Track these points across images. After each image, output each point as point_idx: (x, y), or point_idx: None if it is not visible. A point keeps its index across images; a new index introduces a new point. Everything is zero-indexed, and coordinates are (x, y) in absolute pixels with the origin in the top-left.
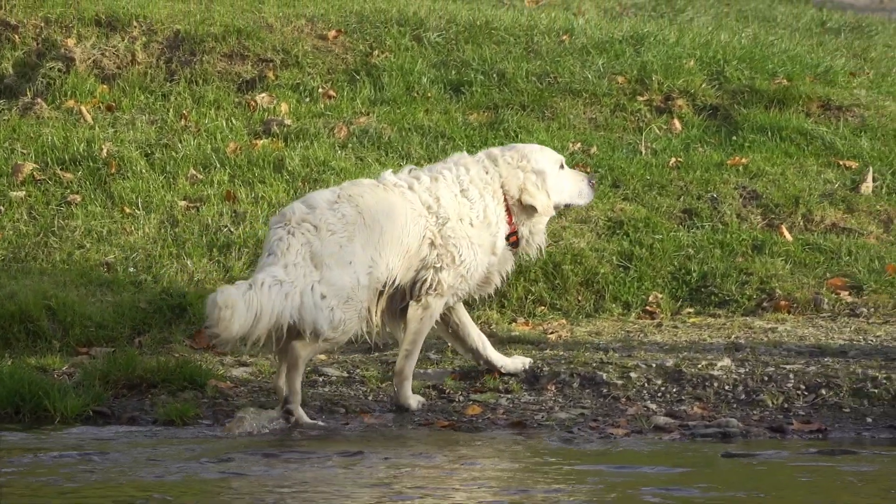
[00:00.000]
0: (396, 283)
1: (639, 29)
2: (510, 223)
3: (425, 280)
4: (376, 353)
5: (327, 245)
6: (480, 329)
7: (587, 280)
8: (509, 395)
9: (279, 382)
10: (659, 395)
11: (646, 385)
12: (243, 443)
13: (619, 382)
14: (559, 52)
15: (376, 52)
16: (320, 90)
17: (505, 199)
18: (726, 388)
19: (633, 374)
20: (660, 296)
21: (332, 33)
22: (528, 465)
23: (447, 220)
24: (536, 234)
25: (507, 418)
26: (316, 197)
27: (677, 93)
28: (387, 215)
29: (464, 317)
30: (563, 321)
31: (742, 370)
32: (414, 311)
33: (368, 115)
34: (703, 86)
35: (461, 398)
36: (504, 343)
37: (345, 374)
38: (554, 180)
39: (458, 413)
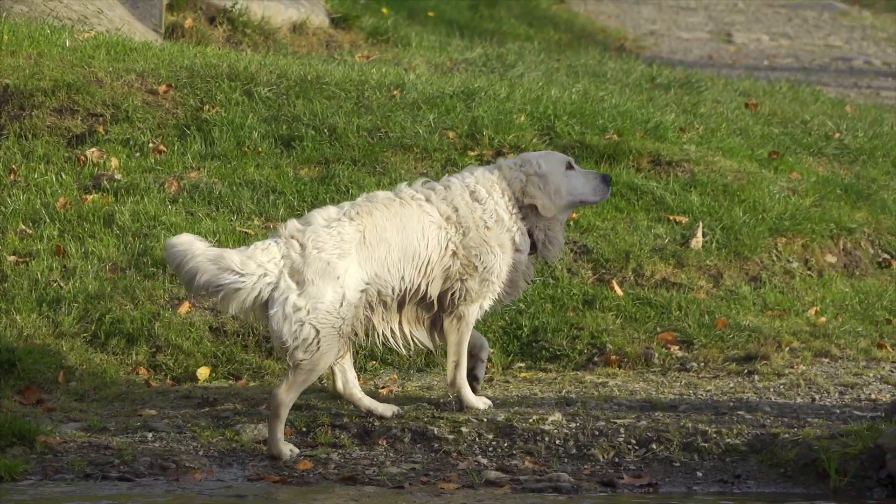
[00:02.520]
0: (421, 294)
1: (469, 84)
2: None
3: (455, 291)
4: (207, 408)
5: (312, 263)
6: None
7: None
8: (341, 450)
9: None
10: (490, 449)
11: (477, 440)
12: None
13: (451, 437)
14: (390, 107)
15: (207, 107)
16: (151, 145)
17: (515, 200)
18: (557, 442)
19: (464, 429)
20: (491, 350)
21: (163, 88)
22: None
23: (468, 230)
24: (553, 236)
25: (339, 473)
26: (317, 214)
27: (508, 147)
28: (399, 230)
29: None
30: (395, 376)
31: (573, 425)
32: (449, 323)
33: (199, 169)
34: (534, 140)
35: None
36: (335, 397)
37: (175, 429)
38: (560, 180)
39: (290, 468)
